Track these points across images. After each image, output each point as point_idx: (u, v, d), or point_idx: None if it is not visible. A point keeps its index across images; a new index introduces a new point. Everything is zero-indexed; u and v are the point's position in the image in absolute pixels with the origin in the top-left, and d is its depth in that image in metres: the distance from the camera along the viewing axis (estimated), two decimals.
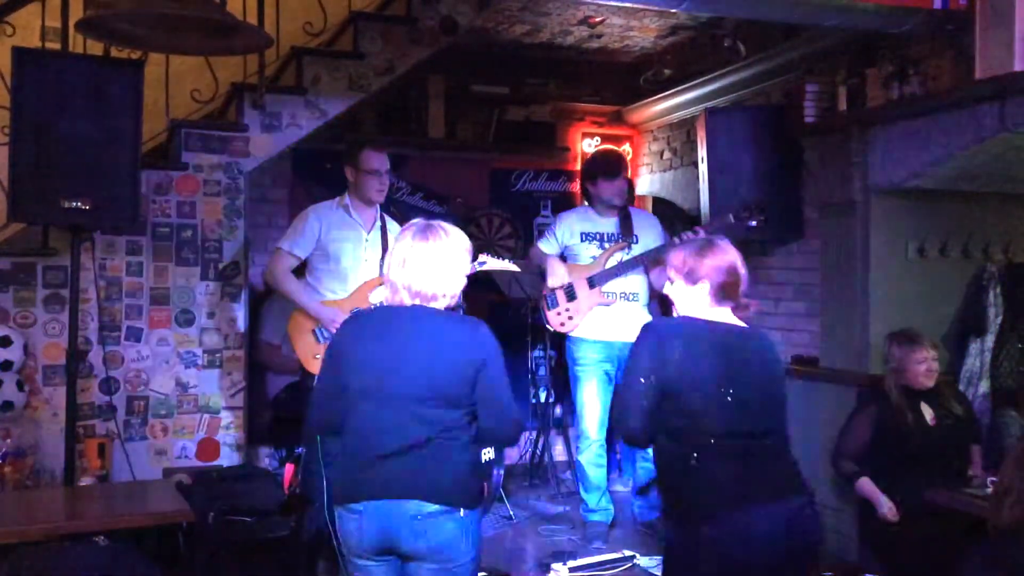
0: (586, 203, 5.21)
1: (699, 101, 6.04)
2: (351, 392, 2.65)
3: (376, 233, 4.39)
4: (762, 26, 5.34)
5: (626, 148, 6.99)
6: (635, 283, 4.86)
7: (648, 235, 4.90)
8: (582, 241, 4.94)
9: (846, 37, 4.65)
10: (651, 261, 4.77)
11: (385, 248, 4.35)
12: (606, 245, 4.89)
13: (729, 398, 2.61)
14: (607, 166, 4.99)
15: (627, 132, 7.06)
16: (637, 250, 4.85)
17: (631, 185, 5.15)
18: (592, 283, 4.84)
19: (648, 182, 6.85)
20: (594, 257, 4.88)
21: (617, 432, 2.75)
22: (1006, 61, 3.57)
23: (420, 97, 6.35)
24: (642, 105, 6.72)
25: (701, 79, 5.97)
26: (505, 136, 6.63)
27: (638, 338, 2.73)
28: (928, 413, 4.01)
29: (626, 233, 4.89)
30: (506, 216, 6.76)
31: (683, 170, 6.41)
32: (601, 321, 4.84)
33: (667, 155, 6.67)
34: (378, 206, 4.43)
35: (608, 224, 4.94)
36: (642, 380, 2.64)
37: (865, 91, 4.49)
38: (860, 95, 4.53)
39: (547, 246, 5.03)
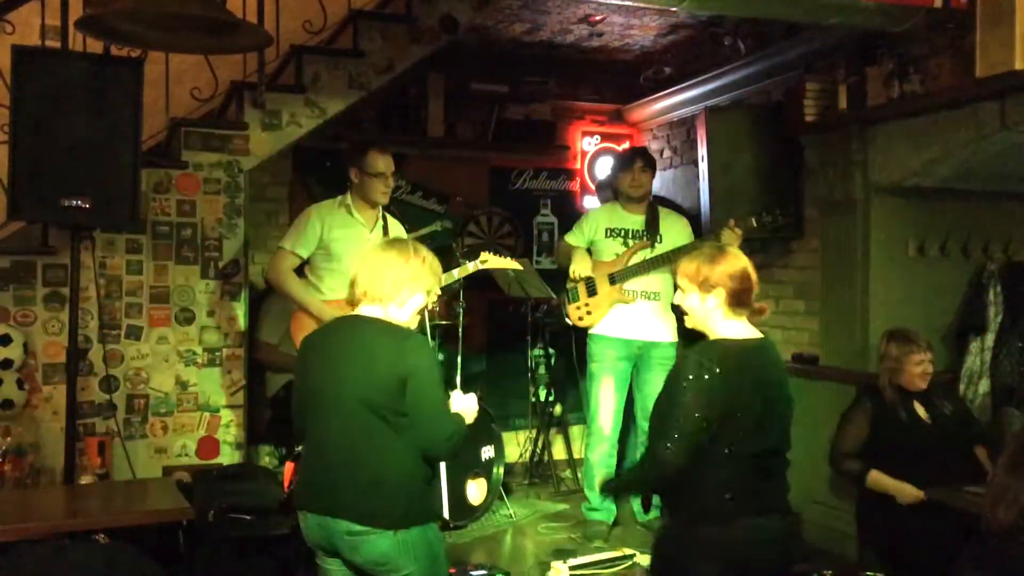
0: (614, 199, 5.19)
1: (699, 100, 6.04)
2: (308, 400, 2.79)
3: (378, 232, 4.38)
4: (762, 24, 5.34)
5: (626, 147, 6.99)
6: (658, 282, 4.83)
7: (674, 234, 4.87)
8: (606, 237, 4.93)
9: (846, 35, 4.65)
10: (672, 259, 4.73)
11: None
12: (630, 242, 4.88)
13: (757, 419, 2.61)
14: (622, 156, 5.04)
15: (627, 131, 7.06)
16: (660, 249, 4.83)
17: None
18: (613, 280, 4.84)
19: None
20: (617, 254, 4.88)
21: (653, 454, 2.65)
22: (1007, 60, 3.58)
23: (420, 95, 6.34)
24: (642, 104, 6.71)
25: (701, 77, 5.97)
26: (505, 134, 6.63)
27: (685, 368, 2.64)
28: (921, 412, 4.01)
29: (651, 231, 4.87)
30: (506, 215, 6.75)
31: (683, 169, 6.41)
32: (621, 319, 4.83)
33: (667, 154, 6.67)
34: (380, 205, 4.43)
35: (634, 221, 4.92)
36: (694, 414, 2.56)
37: (865, 90, 4.49)
38: (860, 94, 4.53)
39: (574, 239, 5.03)
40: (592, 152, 6.95)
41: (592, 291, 4.87)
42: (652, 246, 4.84)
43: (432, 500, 2.78)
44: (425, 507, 2.74)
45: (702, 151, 5.23)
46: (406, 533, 2.63)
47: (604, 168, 6.80)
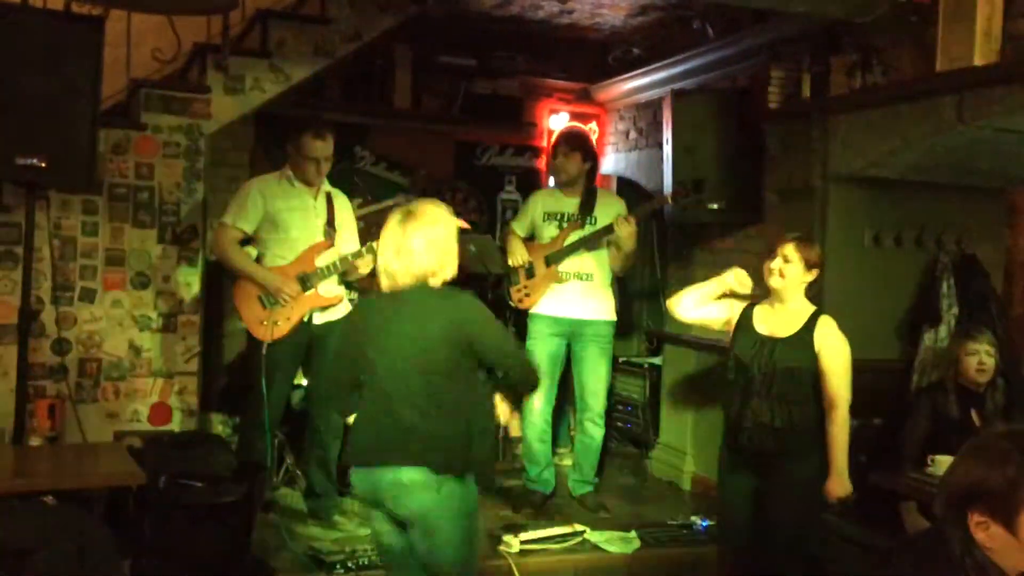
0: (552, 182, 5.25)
1: (666, 82, 6.05)
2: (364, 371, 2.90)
3: (322, 198, 4.38)
4: (731, 9, 5.35)
5: (592, 126, 7.00)
6: (590, 263, 4.90)
7: (607, 216, 4.91)
8: (544, 220, 5.00)
9: (812, 24, 4.68)
10: (599, 241, 4.83)
11: (330, 214, 4.35)
12: (564, 224, 4.94)
13: None
14: (563, 142, 5.06)
15: (594, 110, 7.05)
16: (592, 230, 4.89)
17: (593, 165, 5.21)
18: (548, 262, 4.91)
19: (613, 161, 6.86)
20: (553, 237, 4.95)
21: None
22: (966, 55, 3.62)
23: (386, 66, 6.29)
24: (610, 84, 6.71)
25: (669, 60, 5.98)
26: (471, 109, 6.60)
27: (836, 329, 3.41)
28: (974, 415, 3.99)
29: (585, 213, 4.93)
30: (470, 190, 6.74)
31: (648, 151, 6.42)
32: (556, 298, 4.91)
33: (633, 135, 6.68)
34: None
35: (570, 204, 4.98)
36: None
37: (829, 79, 4.53)
38: (824, 83, 4.57)
39: (518, 225, 5.12)
40: (559, 130, 6.93)
41: (530, 273, 4.96)
42: (584, 227, 4.91)
43: (475, 454, 2.85)
44: (468, 458, 2.81)
45: (667, 134, 5.26)
46: (448, 483, 2.74)
47: None
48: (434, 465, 2.72)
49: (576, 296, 4.88)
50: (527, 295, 4.96)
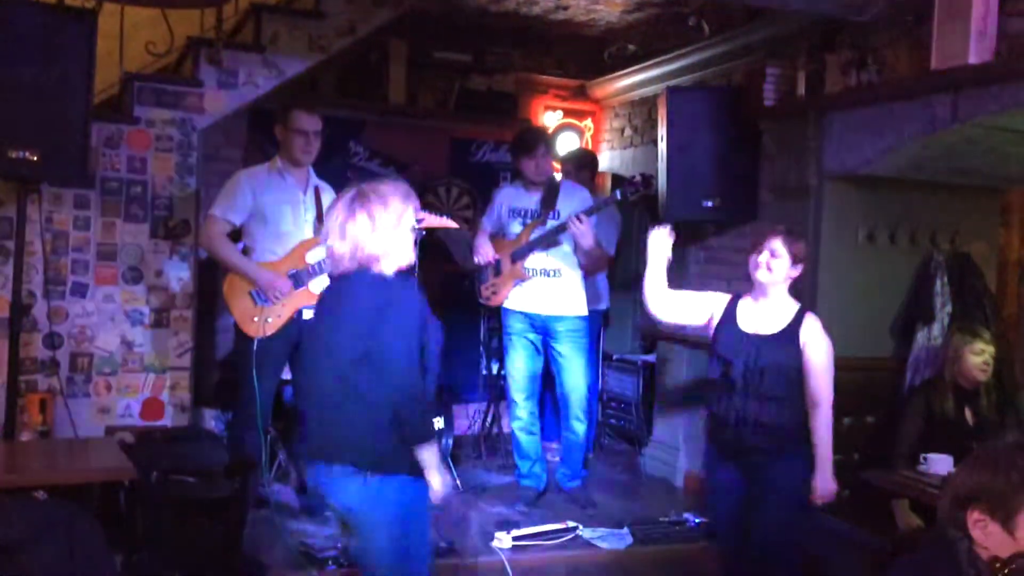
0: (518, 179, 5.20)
1: (662, 79, 6.05)
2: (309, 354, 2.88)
3: (311, 194, 4.37)
4: (727, 7, 5.35)
5: (588, 123, 7.00)
6: (556, 259, 4.86)
7: (570, 211, 4.82)
8: (509, 217, 5.00)
9: (808, 22, 4.68)
10: (560, 237, 4.79)
11: (319, 209, 4.34)
12: (528, 221, 4.94)
13: None
14: (525, 142, 4.98)
15: (590, 107, 7.05)
16: (553, 225, 4.85)
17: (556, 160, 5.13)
18: (513, 258, 4.91)
19: (608, 158, 6.86)
20: (517, 233, 4.94)
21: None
22: (961, 54, 3.62)
23: (381, 61, 6.27)
24: (605, 80, 6.71)
25: (664, 57, 5.97)
26: (466, 105, 6.58)
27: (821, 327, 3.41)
28: (968, 414, 4.03)
29: (547, 208, 4.90)
30: (465, 187, 6.73)
31: (643, 148, 6.43)
32: (524, 294, 4.91)
33: (628, 132, 6.68)
34: (311, 169, 4.40)
35: (533, 200, 4.96)
36: None
37: (824, 77, 4.52)
38: (819, 81, 4.56)
39: (487, 221, 5.12)
40: (554, 127, 6.92)
41: (497, 271, 4.96)
42: (545, 223, 4.87)
43: (410, 454, 2.71)
44: (398, 457, 2.69)
45: (662, 131, 5.25)
46: (375, 480, 2.66)
47: (566, 144, 6.79)
48: (359, 463, 2.67)
49: (543, 292, 4.87)
50: (494, 292, 4.98)
